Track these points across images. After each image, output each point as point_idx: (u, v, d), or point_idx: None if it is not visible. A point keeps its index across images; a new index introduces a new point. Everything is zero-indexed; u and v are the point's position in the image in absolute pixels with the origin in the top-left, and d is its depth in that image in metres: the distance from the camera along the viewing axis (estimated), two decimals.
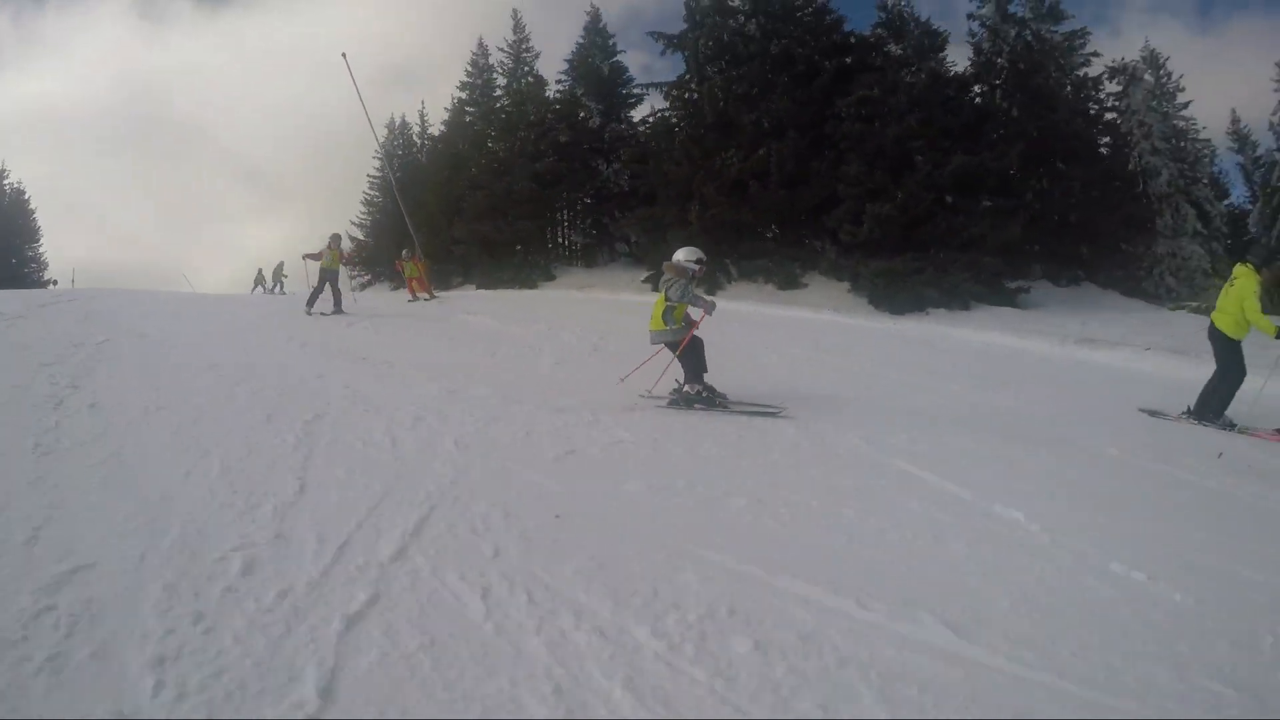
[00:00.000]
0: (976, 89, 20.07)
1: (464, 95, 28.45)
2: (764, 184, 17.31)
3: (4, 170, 37.99)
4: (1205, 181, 26.67)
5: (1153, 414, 6.25)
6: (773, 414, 5.32)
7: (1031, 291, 17.02)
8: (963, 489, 3.64)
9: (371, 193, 31.41)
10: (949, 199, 16.43)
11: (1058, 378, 8.68)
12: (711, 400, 5.53)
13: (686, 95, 20.81)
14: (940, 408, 6.19)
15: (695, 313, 5.71)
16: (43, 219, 40.14)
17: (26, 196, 38.52)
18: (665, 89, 22.16)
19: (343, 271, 12.79)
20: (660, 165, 19.29)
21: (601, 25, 26.65)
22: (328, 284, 11.73)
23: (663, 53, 22.53)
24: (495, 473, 3.70)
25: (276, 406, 4.88)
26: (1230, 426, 5.79)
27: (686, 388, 5.60)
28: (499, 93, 28.24)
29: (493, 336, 9.70)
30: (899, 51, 19.77)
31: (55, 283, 29.64)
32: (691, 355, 5.64)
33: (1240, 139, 30.50)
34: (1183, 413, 6.11)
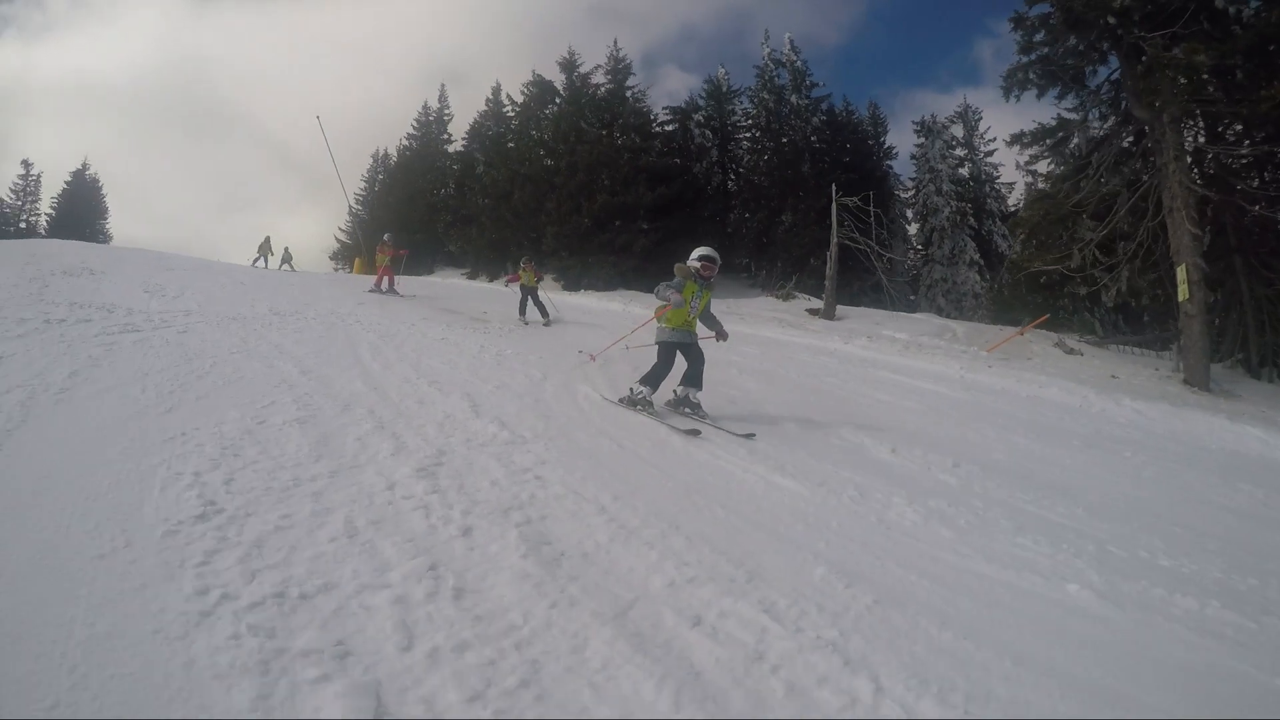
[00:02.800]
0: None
1: (409, 143, 41.83)
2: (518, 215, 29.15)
3: (86, 164, 50.19)
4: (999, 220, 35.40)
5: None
6: (696, 434, 4.94)
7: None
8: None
9: (357, 207, 45.56)
10: (617, 223, 27.28)
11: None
12: (646, 409, 5.38)
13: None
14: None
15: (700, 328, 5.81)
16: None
17: (100, 184, 50.03)
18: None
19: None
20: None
21: (501, 98, 39.24)
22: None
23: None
24: None
25: None
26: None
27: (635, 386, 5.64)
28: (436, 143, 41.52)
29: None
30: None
31: None
32: (658, 361, 5.61)
33: None
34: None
